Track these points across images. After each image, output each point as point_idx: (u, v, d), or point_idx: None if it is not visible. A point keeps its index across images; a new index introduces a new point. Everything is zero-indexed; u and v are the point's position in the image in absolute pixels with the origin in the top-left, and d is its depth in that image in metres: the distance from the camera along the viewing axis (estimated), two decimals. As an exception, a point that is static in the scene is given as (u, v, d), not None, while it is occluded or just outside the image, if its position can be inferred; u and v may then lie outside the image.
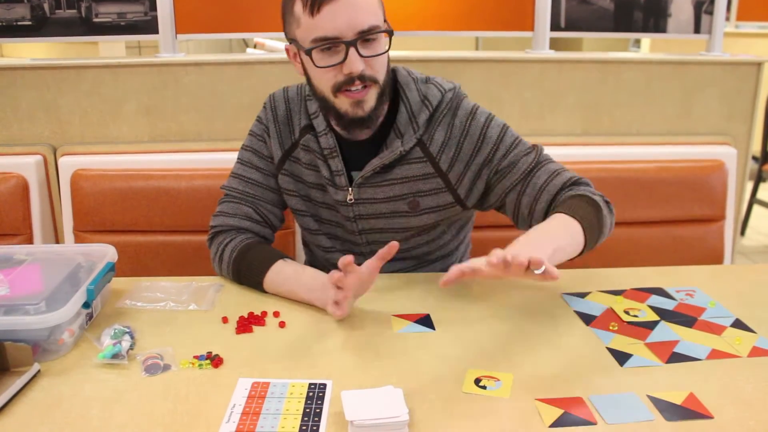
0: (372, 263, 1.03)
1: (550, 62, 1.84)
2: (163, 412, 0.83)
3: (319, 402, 0.84)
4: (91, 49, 3.08)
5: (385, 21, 1.10)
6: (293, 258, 1.55)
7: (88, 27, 1.79)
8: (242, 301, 1.14)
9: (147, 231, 1.61)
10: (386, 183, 1.19)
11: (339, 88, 1.08)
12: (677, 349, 0.98)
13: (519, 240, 0.97)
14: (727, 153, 1.77)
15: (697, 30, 1.96)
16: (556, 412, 0.82)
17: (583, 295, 1.16)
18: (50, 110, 1.77)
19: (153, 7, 1.78)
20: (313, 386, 0.88)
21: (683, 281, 1.22)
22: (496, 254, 0.87)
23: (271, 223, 1.27)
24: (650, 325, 1.05)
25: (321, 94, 1.12)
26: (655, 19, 1.94)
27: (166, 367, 0.93)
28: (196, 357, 0.95)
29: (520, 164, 1.17)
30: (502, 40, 3.80)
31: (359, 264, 1.03)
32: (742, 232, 3.52)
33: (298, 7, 1.06)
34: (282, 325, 1.05)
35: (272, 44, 2.40)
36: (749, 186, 3.35)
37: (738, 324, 1.06)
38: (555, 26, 1.90)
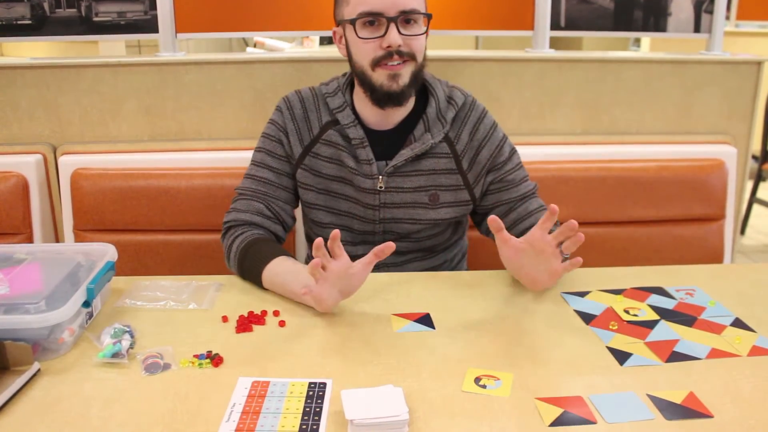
0: (366, 259, 1.03)
1: (550, 61, 1.84)
2: (163, 411, 0.83)
3: (319, 401, 0.85)
4: (91, 48, 3.08)
5: (426, 9, 1.20)
6: (293, 255, 1.55)
7: (88, 26, 1.79)
8: (242, 300, 1.14)
9: (147, 230, 1.61)
10: (414, 173, 1.26)
11: (378, 62, 1.17)
12: (677, 349, 0.98)
13: None
14: (727, 152, 1.77)
15: (697, 29, 1.96)
16: (556, 411, 0.83)
17: (583, 294, 1.16)
18: (50, 109, 1.77)
19: (153, 6, 1.78)
20: (313, 385, 0.88)
21: (683, 280, 1.22)
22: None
23: (282, 220, 1.30)
24: (650, 325, 1.06)
25: (360, 69, 1.20)
26: (655, 18, 1.94)
27: (166, 366, 0.93)
28: (196, 356, 0.95)
29: (521, 187, 1.30)
30: (501, 39, 3.80)
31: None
32: (742, 231, 3.52)
33: None
34: (282, 324, 1.06)
35: (272, 43, 2.40)
36: (749, 185, 3.35)
37: (738, 323, 1.06)
38: (555, 25, 1.90)
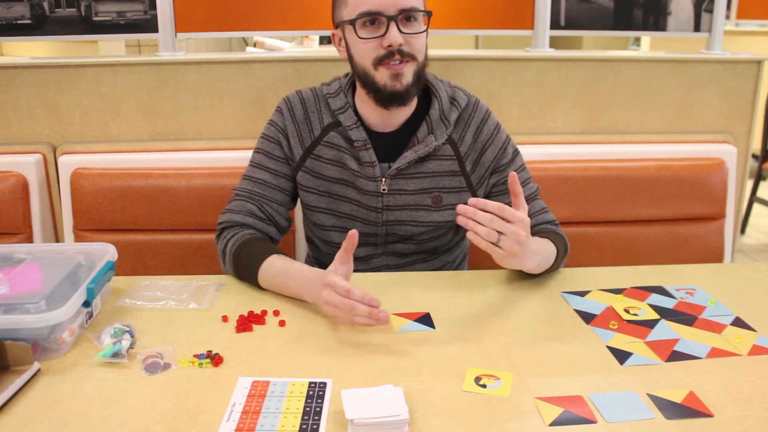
0: (341, 256, 1.03)
1: (550, 61, 1.84)
2: (163, 411, 0.83)
3: (319, 401, 0.85)
4: (91, 47, 3.08)
5: (424, 7, 1.20)
6: (293, 257, 1.55)
7: (87, 26, 1.79)
8: (242, 299, 1.14)
9: (147, 230, 1.61)
10: (417, 175, 1.25)
11: (379, 61, 1.16)
12: (677, 348, 0.99)
13: (534, 238, 1.11)
14: (727, 151, 1.78)
15: (697, 28, 1.96)
16: (556, 411, 0.83)
17: (583, 294, 1.17)
18: (50, 109, 1.77)
19: (153, 5, 1.78)
20: (313, 385, 0.88)
21: (683, 280, 1.22)
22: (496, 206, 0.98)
23: (275, 222, 1.29)
24: (650, 324, 1.06)
25: (362, 70, 1.19)
26: (654, 18, 1.94)
27: (166, 366, 0.93)
28: (196, 356, 0.95)
29: (525, 189, 1.28)
30: (502, 38, 3.81)
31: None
32: (743, 231, 3.53)
33: None
34: (282, 323, 1.06)
35: (271, 43, 2.40)
36: (749, 184, 3.36)
37: (738, 322, 1.07)
38: (555, 25, 1.90)
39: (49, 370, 0.92)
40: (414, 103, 1.25)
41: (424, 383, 0.89)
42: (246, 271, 1.18)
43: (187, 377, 0.91)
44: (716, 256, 1.73)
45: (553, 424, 0.80)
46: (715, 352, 0.97)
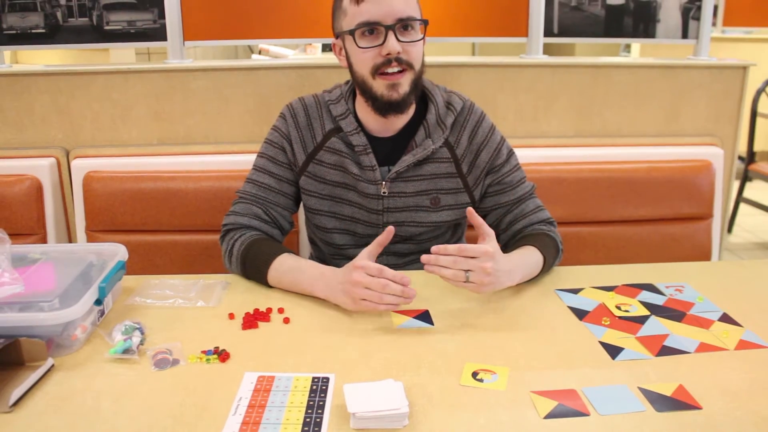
0: (372, 249, 1.09)
1: (544, 67, 1.86)
2: (172, 405, 0.84)
3: (323, 395, 0.86)
4: (102, 55, 3.13)
5: (421, 16, 1.21)
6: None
7: (99, 34, 1.82)
8: (248, 298, 1.16)
9: (156, 230, 1.63)
10: (416, 178, 1.27)
11: (377, 70, 1.17)
12: (667, 343, 1.00)
13: (508, 257, 1.13)
14: (714, 153, 1.79)
15: (684, 35, 1.98)
16: (551, 404, 0.84)
17: (576, 291, 1.18)
18: (63, 114, 1.80)
19: (162, 15, 1.81)
20: (316, 380, 0.89)
21: (673, 277, 1.23)
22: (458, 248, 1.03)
23: (279, 225, 1.31)
24: (641, 320, 1.07)
25: (361, 78, 1.21)
26: (644, 25, 1.96)
27: (175, 362, 0.94)
28: (203, 352, 0.97)
29: (519, 189, 1.32)
30: (497, 45, 3.83)
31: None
32: (730, 230, 3.58)
33: (346, 0, 1.18)
34: (286, 321, 1.07)
35: (276, 50, 2.44)
36: (736, 185, 3.38)
37: (725, 318, 1.08)
38: (548, 32, 1.92)
39: (63, 365, 0.94)
40: (412, 109, 1.26)
41: (424, 378, 0.90)
42: (254, 270, 1.20)
43: (195, 373, 0.92)
44: (704, 255, 1.74)
45: (548, 417, 0.81)
46: (703, 347, 0.98)
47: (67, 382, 0.90)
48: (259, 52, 2.70)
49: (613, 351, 0.98)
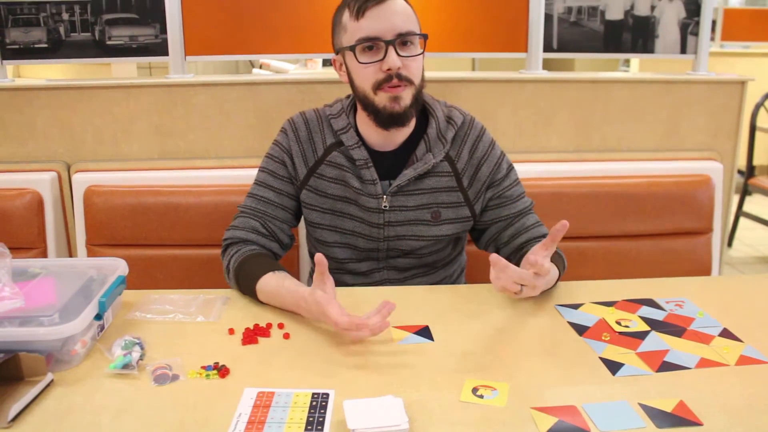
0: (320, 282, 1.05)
1: (544, 82, 1.87)
2: (172, 421, 0.84)
3: (322, 411, 0.86)
4: (104, 69, 3.15)
5: (420, 31, 1.22)
6: (297, 271, 1.58)
7: (101, 49, 1.84)
8: (248, 313, 1.16)
9: (157, 245, 1.63)
10: (417, 192, 1.28)
11: (379, 85, 1.19)
12: (667, 358, 0.99)
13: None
14: (713, 168, 1.80)
15: (683, 50, 2.00)
16: (551, 420, 0.84)
17: (576, 307, 1.18)
18: (65, 128, 1.81)
19: (163, 30, 1.82)
20: (316, 396, 0.89)
21: (673, 292, 1.23)
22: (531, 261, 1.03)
23: (278, 238, 1.31)
24: (641, 335, 1.07)
25: (362, 93, 1.22)
26: (643, 40, 1.98)
27: (175, 377, 0.94)
28: (203, 367, 0.97)
29: (519, 203, 1.33)
30: (497, 60, 3.85)
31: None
32: (730, 244, 3.60)
33: (346, 16, 1.21)
34: (286, 336, 1.07)
35: (277, 65, 2.45)
36: (736, 199, 3.40)
37: (726, 333, 1.08)
38: (548, 47, 1.94)
39: (62, 380, 0.93)
40: (413, 123, 1.27)
41: (424, 394, 0.90)
42: (247, 288, 1.20)
43: (194, 388, 0.92)
44: (704, 269, 1.74)
45: (548, 432, 0.81)
46: (703, 363, 0.98)
47: (67, 397, 0.90)
48: (260, 66, 2.71)
49: (614, 367, 0.97)
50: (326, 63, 3.76)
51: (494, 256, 1.02)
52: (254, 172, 1.36)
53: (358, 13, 1.17)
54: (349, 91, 1.30)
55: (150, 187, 1.66)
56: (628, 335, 1.07)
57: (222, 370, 0.96)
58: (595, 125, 1.91)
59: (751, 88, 1.95)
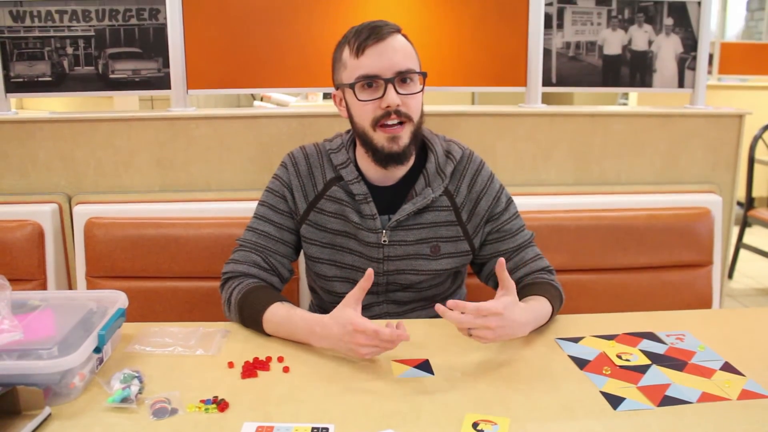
0: (357, 293, 1.09)
1: (543, 116, 1.90)
2: None
3: None
4: (107, 102, 3.18)
5: (420, 68, 1.24)
6: (296, 304, 1.57)
7: (104, 82, 1.86)
8: (247, 346, 1.15)
9: (157, 277, 1.63)
10: (416, 226, 1.28)
11: (378, 122, 1.20)
12: (669, 393, 0.99)
13: (525, 309, 1.12)
14: (712, 200, 1.81)
15: (681, 84, 2.03)
16: None
17: (576, 340, 1.18)
18: (66, 161, 1.82)
19: (166, 64, 1.85)
20: (315, 430, 0.89)
21: (673, 325, 1.23)
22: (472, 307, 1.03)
23: (278, 273, 1.32)
24: (642, 369, 1.06)
25: (361, 130, 1.23)
26: (641, 75, 2.02)
27: (174, 411, 0.94)
28: (202, 401, 0.96)
29: (518, 237, 1.34)
30: (496, 94, 3.91)
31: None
32: (730, 276, 3.60)
33: (346, 53, 1.22)
34: (286, 370, 1.07)
35: (278, 97, 2.48)
36: (735, 231, 3.41)
37: (727, 367, 1.07)
38: (547, 82, 1.97)
39: (60, 414, 0.93)
40: (412, 158, 1.28)
41: (423, 428, 0.89)
42: (251, 319, 1.20)
43: (193, 422, 0.91)
44: (705, 302, 1.74)
45: (549, 468, 0.81)
46: (705, 397, 0.98)
47: (64, 431, 0.89)
48: (261, 99, 2.75)
49: (615, 401, 0.97)
50: (327, 96, 3.82)
51: (450, 302, 1.04)
52: (254, 204, 1.37)
53: (358, 51, 1.19)
54: (349, 125, 1.32)
55: (151, 219, 1.66)
56: (629, 369, 1.07)
57: (221, 404, 0.95)
58: (594, 158, 1.93)
59: (748, 120, 1.97)
